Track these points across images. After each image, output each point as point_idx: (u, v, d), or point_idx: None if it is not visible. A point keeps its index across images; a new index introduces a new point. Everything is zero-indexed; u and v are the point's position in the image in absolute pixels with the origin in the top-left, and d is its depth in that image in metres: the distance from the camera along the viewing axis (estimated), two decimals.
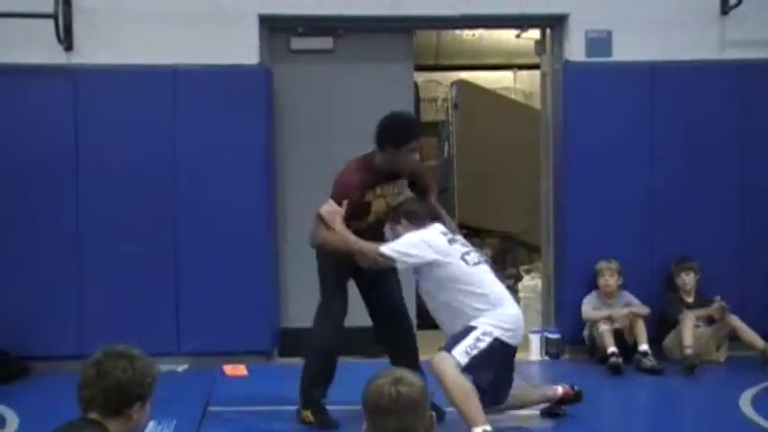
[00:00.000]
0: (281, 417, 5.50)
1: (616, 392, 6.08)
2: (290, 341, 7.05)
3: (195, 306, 6.73)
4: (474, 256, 5.04)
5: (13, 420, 5.31)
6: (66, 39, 6.58)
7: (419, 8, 6.97)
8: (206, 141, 6.71)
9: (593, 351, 6.77)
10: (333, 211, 5.09)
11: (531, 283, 8.07)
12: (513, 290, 9.02)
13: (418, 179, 5.37)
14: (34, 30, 6.49)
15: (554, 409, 5.42)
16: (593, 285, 6.90)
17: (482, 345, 4.81)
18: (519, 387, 5.30)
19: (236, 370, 6.59)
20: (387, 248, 4.96)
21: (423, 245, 4.92)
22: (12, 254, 6.64)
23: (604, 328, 6.61)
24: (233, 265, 6.74)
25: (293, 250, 7.10)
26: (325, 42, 7.08)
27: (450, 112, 9.60)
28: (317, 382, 5.38)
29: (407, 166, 5.15)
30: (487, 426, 4.70)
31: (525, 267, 9.24)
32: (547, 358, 7.01)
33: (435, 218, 5.25)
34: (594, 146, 6.98)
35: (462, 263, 4.96)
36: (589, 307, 6.85)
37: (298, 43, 7.07)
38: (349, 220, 5.15)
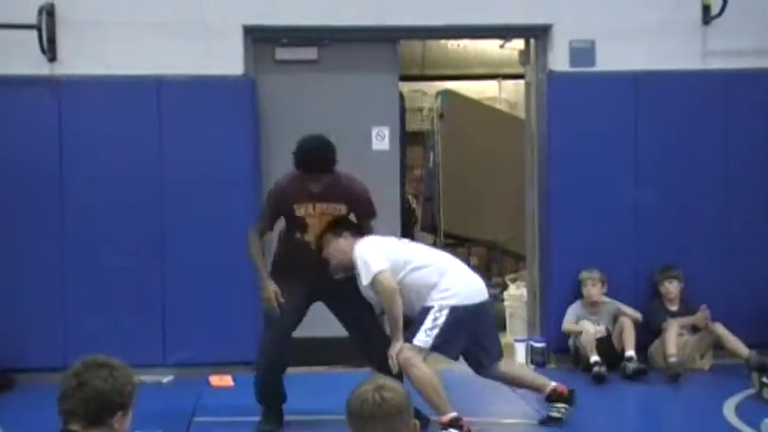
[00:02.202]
0: None
1: (600, 401, 6.09)
2: None
3: (181, 317, 6.72)
4: (404, 239, 5.48)
5: None
6: (50, 50, 6.57)
7: (404, 18, 6.99)
8: (192, 152, 6.70)
9: (578, 360, 6.79)
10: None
11: (517, 292, 8.09)
12: (499, 299, 9.12)
13: (357, 205, 5.40)
14: (18, 41, 6.49)
15: (552, 413, 5.41)
16: (578, 294, 6.92)
17: (441, 320, 5.00)
18: (518, 365, 5.35)
19: (222, 381, 6.57)
20: (375, 276, 5.06)
21: (378, 250, 5.14)
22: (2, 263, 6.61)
23: (588, 336, 6.63)
24: (219, 276, 6.72)
25: None
26: (310, 53, 7.09)
27: (435, 121, 9.62)
28: (264, 397, 5.45)
29: (312, 187, 5.20)
30: (455, 413, 4.92)
31: (511, 276, 9.27)
32: (532, 367, 7.01)
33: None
34: (579, 155, 7.02)
35: (401, 245, 5.35)
36: (572, 317, 6.87)
37: (282, 54, 7.08)
38: (288, 231, 5.38)
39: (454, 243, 10.15)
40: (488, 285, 10.35)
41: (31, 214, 6.63)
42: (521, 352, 7.07)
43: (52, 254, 6.63)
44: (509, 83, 10.64)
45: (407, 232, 8.72)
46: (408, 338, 5.02)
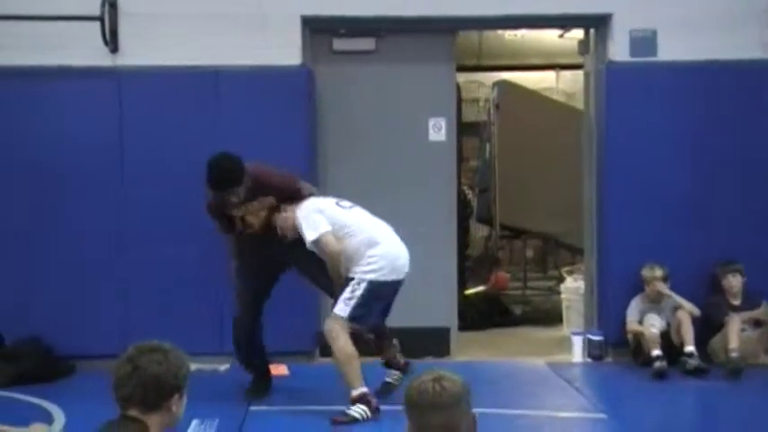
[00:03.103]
0: (323, 416, 5.51)
1: (659, 397, 6.00)
2: None
3: None
4: (346, 202, 5.69)
5: (59, 417, 5.38)
6: (112, 41, 6.66)
7: (462, 9, 6.94)
8: (248, 142, 6.70)
9: (638, 354, 6.69)
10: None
11: (574, 284, 8.02)
12: (555, 291, 9.05)
13: (283, 193, 5.70)
14: (81, 32, 6.58)
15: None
16: (637, 288, 6.82)
17: (358, 292, 5.38)
18: None
19: (277, 370, 6.60)
20: (312, 238, 5.47)
21: (316, 212, 5.52)
22: (56, 253, 6.72)
23: (649, 330, 6.54)
24: None
25: None
26: (368, 43, 7.08)
27: (491, 112, 9.55)
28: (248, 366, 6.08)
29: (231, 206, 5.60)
30: (364, 387, 5.38)
31: (567, 269, 9.20)
32: (589, 360, 6.95)
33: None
34: (638, 147, 6.91)
35: (338, 209, 5.62)
36: (635, 312, 6.75)
37: (340, 44, 7.09)
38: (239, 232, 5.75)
39: (509, 235, 10.10)
40: (544, 278, 10.43)
41: (91, 204, 6.73)
42: (578, 345, 6.99)
43: (111, 243, 6.73)
44: (566, 73, 10.52)
45: (463, 224, 8.71)
46: (332, 308, 5.45)
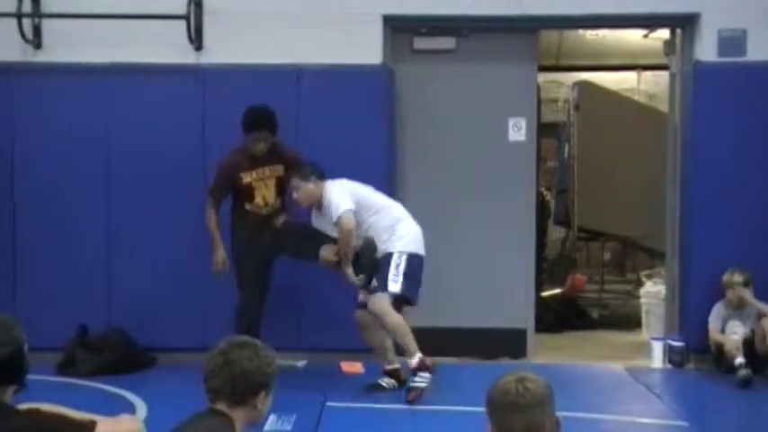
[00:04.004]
0: (398, 414, 5.53)
1: (743, 405, 5.86)
2: None
3: (315, 303, 6.80)
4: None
5: (141, 408, 5.48)
6: (197, 39, 6.76)
7: (544, 8, 6.87)
8: (329, 140, 6.77)
9: (720, 361, 6.54)
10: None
11: (654, 289, 7.88)
12: (634, 295, 8.91)
13: (292, 165, 6.16)
14: (167, 30, 6.70)
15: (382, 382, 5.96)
16: (720, 293, 6.66)
17: (402, 267, 5.76)
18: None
19: (352, 367, 6.62)
20: (340, 214, 5.79)
21: (346, 192, 5.85)
22: (141, 247, 6.84)
23: (731, 339, 6.38)
24: None
25: None
26: (448, 42, 7.05)
27: (571, 112, 9.44)
28: None
29: (253, 149, 6.12)
30: (419, 353, 5.68)
31: (646, 272, 9.05)
32: (670, 366, 6.82)
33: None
34: (724, 150, 6.74)
35: (368, 190, 5.99)
36: (717, 319, 6.59)
37: (420, 43, 7.07)
38: (239, 205, 6.20)
39: (587, 237, 9.98)
40: (622, 281, 10.26)
41: (174, 201, 6.81)
42: (658, 351, 6.87)
43: (196, 239, 6.80)
44: (648, 74, 10.34)
45: (541, 225, 8.62)
46: (381, 288, 5.73)
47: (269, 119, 6.15)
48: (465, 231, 7.09)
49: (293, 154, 6.27)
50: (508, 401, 2.41)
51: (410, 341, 5.73)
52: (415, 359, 5.67)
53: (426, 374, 5.65)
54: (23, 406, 2.86)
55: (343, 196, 5.84)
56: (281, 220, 6.31)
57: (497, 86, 7.07)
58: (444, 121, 7.11)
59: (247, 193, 6.20)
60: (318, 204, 5.98)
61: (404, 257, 5.77)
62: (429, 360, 5.72)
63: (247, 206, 6.23)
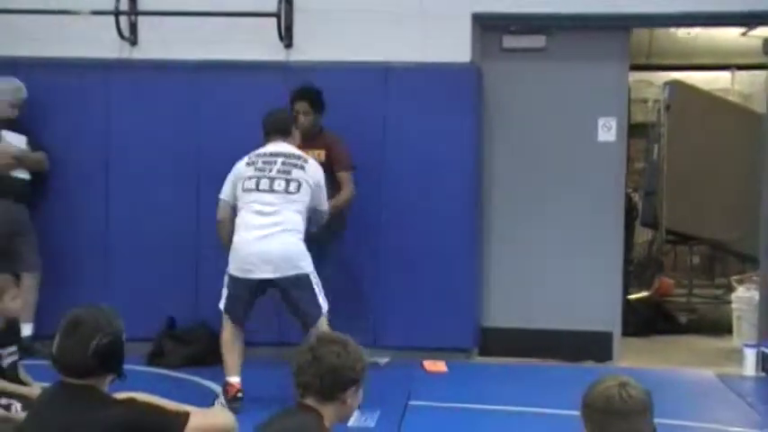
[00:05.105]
0: (482, 416, 5.50)
1: None
2: (490, 340, 7.03)
3: (399, 300, 6.80)
4: (258, 181, 5.37)
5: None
6: (287, 36, 6.83)
7: (637, 6, 6.74)
8: (416, 138, 6.77)
9: None
10: None
11: (747, 294, 7.66)
12: (724, 300, 8.68)
13: (333, 150, 6.14)
14: (257, 28, 6.78)
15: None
16: None
17: (225, 281, 5.40)
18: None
19: (436, 366, 6.62)
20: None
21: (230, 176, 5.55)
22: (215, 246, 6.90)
23: None
24: (438, 263, 6.76)
25: (497, 250, 7.08)
26: (538, 41, 6.98)
27: (661, 112, 9.25)
28: None
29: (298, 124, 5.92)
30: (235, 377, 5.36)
31: (737, 277, 8.81)
32: (763, 374, 6.62)
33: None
34: None
35: (246, 179, 5.42)
36: None
37: (510, 41, 7.01)
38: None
39: (675, 240, 9.77)
40: (711, 285, 10.02)
41: None
42: (751, 358, 6.67)
43: None
44: (743, 73, 10.07)
45: (628, 227, 8.48)
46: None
47: (319, 96, 6.22)
48: (552, 232, 7.01)
49: (336, 139, 6.24)
50: (612, 407, 2.38)
51: (228, 359, 5.47)
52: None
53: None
54: (120, 395, 2.93)
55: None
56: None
57: (587, 86, 6.97)
58: (532, 121, 7.04)
59: None
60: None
61: (226, 278, 5.47)
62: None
63: None
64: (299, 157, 5.50)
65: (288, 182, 5.37)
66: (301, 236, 5.36)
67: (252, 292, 5.40)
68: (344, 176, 6.21)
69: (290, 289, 5.33)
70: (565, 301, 6.99)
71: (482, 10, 6.83)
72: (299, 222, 5.34)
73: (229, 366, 5.42)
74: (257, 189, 5.37)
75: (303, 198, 5.36)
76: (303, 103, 6.15)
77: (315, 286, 5.33)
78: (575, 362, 6.83)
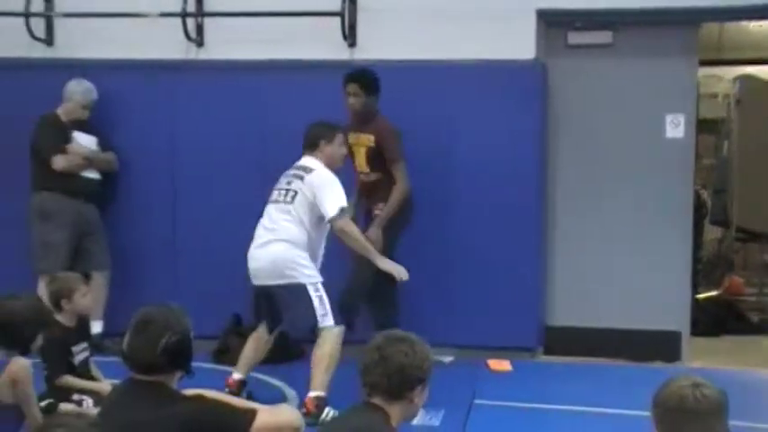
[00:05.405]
0: (547, 415, 5.46)
1: None
2: (555, 340, 6.96)
3: (464, 298, 6.78)
4: (271, 195, 5.45)
5: (292, 398, 5.61)
6: (351, 36, 6.85)
7: None
8: (479, 136, 6.74)
9: None
10: None
11: None
12: None
13: (382, 138, 6.11)
14: (322, 27, 6.81)
15: None
16: None
17: None
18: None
19: (500, 365, 6.58)
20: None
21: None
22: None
23: None
24: (503, 261, 6.72)
25: (562, 248, 7.01)
26: (604, 36, 6.87)
27: (731, 108, 9.06)
28: None
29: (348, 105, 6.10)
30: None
31: None
32: None
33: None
34: None
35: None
36: None
37: (575, 38, 6.92)
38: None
39: (745, 238, 9.57)
40: None
41: None
42: None
43: None
44: None
45: (697, 225, 8.33)
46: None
47: (375, 76, 6.18)
48: (619, 230, 6.90)
49: (387, 125, 6.19)
50: (686, 408, 2.35)
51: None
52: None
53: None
54: (188, 391, 2.97)
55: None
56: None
57: (655, 82, 6.84)
58: (599, 118, 6.95)
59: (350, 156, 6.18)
60: None
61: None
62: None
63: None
64: (304, 169, 5.47)
65: (287, 192, 5.41)
66: (296, 245, 5.30)
67: (265, 297, 5.51)
68: (395, 169, 6.15)
69: (277, 297, 5.37)
70: (632, 300, 6.88)
71: (547, 6, 6.76)
72: (294, 232, 5.30)
73: (239, 361, 5.62)
74: (268, 202, 5.52)
75: (298, 208, 5.33)
76: (353, 84, 6.13)
77: (313, 298, 5.25)
78: (642, 362, 6.73)
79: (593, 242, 6.95)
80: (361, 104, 6.15)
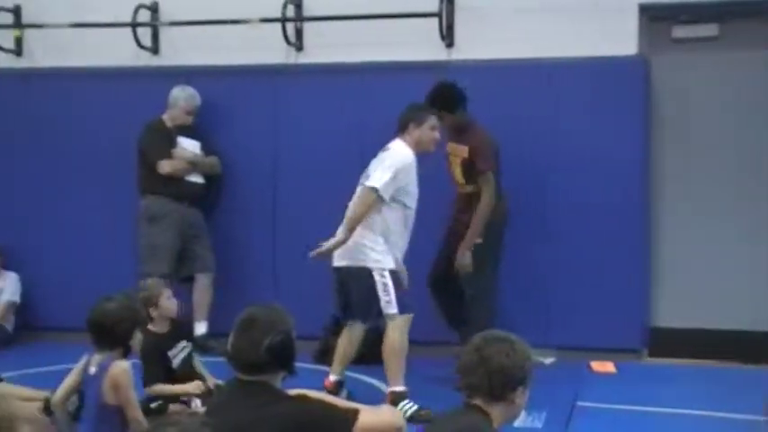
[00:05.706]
0: (652, 418, 5.33)
1: None
2: (660, 341, 6.80)
3: (565, 299, 6.70)
4: (362, 176, 5.47)
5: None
6: (448, 36, 6.84)
7: None
8: (582, 134, 6.64)
9: None
10: None
11: None
12: None
13: (473, 150, 5.99)
14: (420, 28, 6.82)
15: None
16: None
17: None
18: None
19: (604, 367, 6.46)
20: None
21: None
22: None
23: None
24: (606, 260, 6.61)
25: (668, 248, 6.84)
26: (710, 29, 6.69)
27: None
28: None
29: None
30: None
31: None
32: None
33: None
34: None
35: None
36: None
37: (680, 31, 6.75)
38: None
39: None
40: None
41: (424, 195, 6.86)
42: None
43: (428, 233, 6.74)
44: None
45: None
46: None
47: (452, 93, 6.04)
48: (727, 229, 6.71)
49: (480, 138, 6.04)
50: None
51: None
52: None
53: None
54: (291, 391, 3.00)
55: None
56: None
57: (764, 76, 6.62)
58: (705, 113, 6.76)
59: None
60: None
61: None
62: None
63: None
64: (385, 149, 5.54)
65: (366, 174, 5.48)
66: (368, 227, 5.34)
67: (337, 280, 5.54)
68: (482, 180, 6.00)
69: (344, 279, 5.44)
70: (738, 301, 6.68)
71: (650, 0, 6.61)
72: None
73: (333, 362, 5.62)
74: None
75: None
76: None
77: (378, 284, 5.28)
78: (753, 364, 6.51)
79: (699, 242, 6.77)
80: (449, 123, 5.97)
